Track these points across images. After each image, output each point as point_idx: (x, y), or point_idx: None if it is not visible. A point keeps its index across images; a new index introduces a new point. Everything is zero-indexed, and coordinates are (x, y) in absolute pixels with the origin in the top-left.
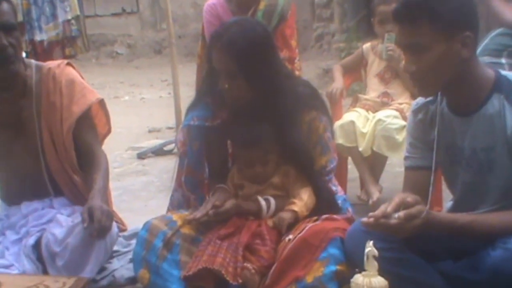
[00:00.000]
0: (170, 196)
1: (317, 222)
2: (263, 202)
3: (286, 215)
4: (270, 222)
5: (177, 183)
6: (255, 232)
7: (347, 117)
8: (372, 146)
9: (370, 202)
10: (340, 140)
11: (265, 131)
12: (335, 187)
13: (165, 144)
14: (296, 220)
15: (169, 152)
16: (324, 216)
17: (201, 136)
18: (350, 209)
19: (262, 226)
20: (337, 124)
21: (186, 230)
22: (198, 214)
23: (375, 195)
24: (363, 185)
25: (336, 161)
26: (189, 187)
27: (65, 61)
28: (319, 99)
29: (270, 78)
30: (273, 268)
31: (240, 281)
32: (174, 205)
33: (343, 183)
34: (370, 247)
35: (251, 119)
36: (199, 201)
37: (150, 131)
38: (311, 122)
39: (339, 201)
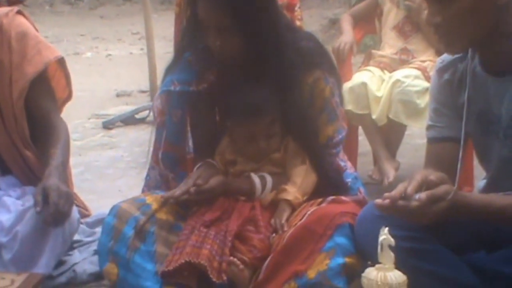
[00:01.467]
0: (145, 176)
1: (322, 206)
2: (257, 180)
3: (281, 213)
4: (264, 202)
5: (154, 160)
6: (247, 217)
7: (358, 77)
8: (388, 113)
9: (385, 181)
10: (349, 106)
11: (269, 96)
12: (344, 162)
13: (137, 111)
14: (293, 210)
15: (142, 121)
16: (330, 197)
17: (184, 103)
18: (361, 189)
19: (256, 209)
20: (346, 86)
21: (162, 216)
22: (177, 191)
23: (391, 173)
24: (376, 161)
25: (345, 132)
26: (168, 165)
27: (15, 9)
28: (325, 56)
29: (269, 31)
30: (268, 260)
31: (225, 278)
32: (150, 187)
33: (353, 158)
34: (385, 235)
35: (246, 82)
36: (180, 181)
37: (118, 95)
38: (315, 84)
39: (348, 180)
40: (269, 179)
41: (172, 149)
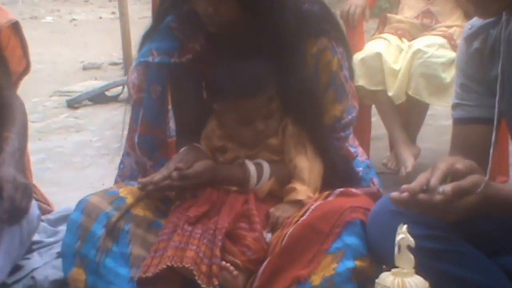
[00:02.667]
0: (118, 165)
1: (328, 199)
2: (252, 167)
3: (283, 208)
4: (260, 193)
5: (129, 144)
6: (239, 212)
7: (371, 47)
8: (407, 90)
9: (403, 171)
10: (361, 81)
11: (267, 70)
12: (354, 148)
13: (108, 88)
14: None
15: (114, 99)
16: (339, 190)
17: (164, 78)
18: (375, 180)
19: (250, 203)
20: (356, 57)
21: (139, 211)
22: (156, 176)
23: (410, 160)
24: (392, 147)
25: (356, 112)
26: (146, 150)
27: None
28: (332, 22)
29: None
30: (265, 264)
31: (216, 283)
32: (125, 177)
33: (364, 143)
34: (403, 234)
35: (239, 53)
36: (160, 169)
37: (85, 69)
38: (320, 55)
39: (360, 169)
40: (266, 166)
41: (151, 131)
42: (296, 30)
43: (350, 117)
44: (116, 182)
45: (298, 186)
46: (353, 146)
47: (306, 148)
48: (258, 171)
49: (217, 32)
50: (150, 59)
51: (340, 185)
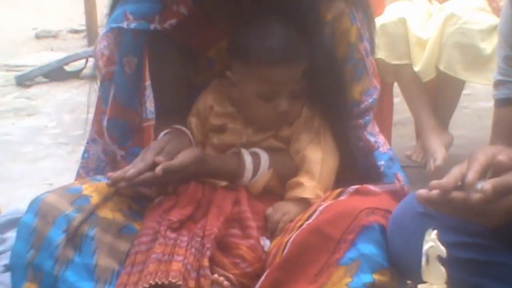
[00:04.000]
0: (82, 154)
1: (340, 199)
2: (248, 158)
3: (284, 207)
4: (255, 189)
5: (95, 129)
6: (231, 215)
7: (393, 11)
8: (437, 64)
9: (432, 164)
10: (380, 54)
11: (300, 37)
12: (374, 137)
13: (67, 61)
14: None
15: (75, 76)
16: (353, 187)
17: (142, 47)
18: (399, 175)
19: (242, 202)
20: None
21: (107, 213)
22: (130, 170)
23: (440, 152)
24: (419, 134)
25: (378, 93)
26: (117, 137)
27: None
28: None
29: None
30: (263, 278)
31: None
32: (90, 169)
33: (385, 129)
34: (432, 242)
35: (238, 18)
36: (132, 160)
37: (38, 37)
38: (336, 22)
39: (381, 163)
40: (264, 157)
41: (123, 114)
42: None
43: (370, 100)
44: (78, 175)
45: (305, 181)
46: (373, 134)
47: (321, 137)
48: (255, 164)
49: None
50: (124, 24)
51: (355, 181)
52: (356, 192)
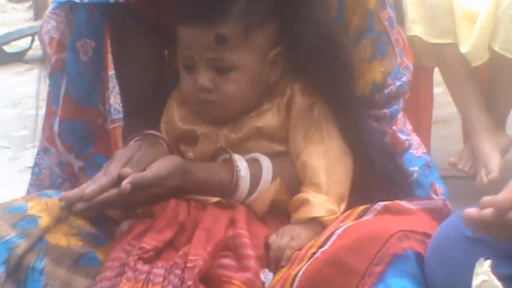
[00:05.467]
0: (32, 167)
1: (364, 219)
2: (242, 165)
3: (292, 231)
4: (258, 207)
5: (45, 135)
6: (223, 240)
7: None
8: (491, 43)
9: (484, 175)
10: (416, 30)
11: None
12: (405, 135)
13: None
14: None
15: (18, 58)
16: (381, 203)
17: (101, 27)
18: (439, 186)
19: (239, 224)
20: None
21: (60, 239)
22: (90, 186)
23: (495, 159)
24: (467, 135)
25: (410, 76)
26: (71, 143)
27: None
28: None
29: None
30: None
31: None
32: (42, 187)
33: (422, 128)
34: (485, 275)
35: None
36: (94, 172)
37: None
38: None
39: (414, 168)
40: (266, 164)
41: (79, 113)
42: None
43: (398, 83)
44: (28, 193)
45: (311, 196)
46: (404, 131)
47: (323, 133)
48: (254, 172)
49: None
50: None
51: (380, 194)
52: (385, 210)
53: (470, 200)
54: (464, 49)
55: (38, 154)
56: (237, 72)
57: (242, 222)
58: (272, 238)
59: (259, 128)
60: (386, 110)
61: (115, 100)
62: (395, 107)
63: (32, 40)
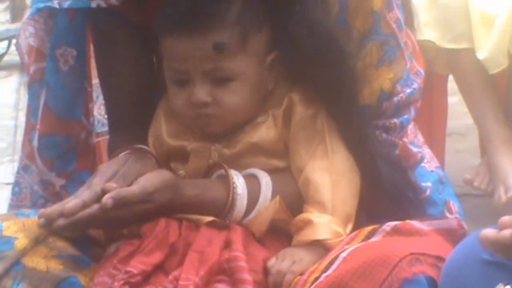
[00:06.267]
0: (12, 187)
1: (371, 240)
2: (239, 181)
3: (293, 262)
4: (256, 228)
5: (25, 151)
6: (217, 263)
7: None
8: (510, 49)
9: (502, 192)
10: (428, 34)
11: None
12: (417, 147)
13: None
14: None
15: None
16: (391, 224)
17: (82, 34)
18: (454, 204)
19: (234, 246)
20: None
21: (38, 262)
22: (73, 201)
23: None
24: (484, 149)
25: (421, 82)
26: (52, 159)
27: None
28: None
29: None
30: None
31: None
32: (21, 204)
33: (435, 141)
34: None
35: None
36: (77, 190)
37: None
38: None
39: (426, 184)
40: (265, 180)
41: (60, 127)
42: None
43: (408, 90)
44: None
45: (315, 216)
46: (415, 143)
47: (328, 147)
48: (251, 189)
49: None
50: (55, 3)
51: (390, 213)
52: (395, 231)
53: (488, 220)
54: (481, 55)
55: (18, 172)
56: (237, 82)
57: (239, 243)
58: (272, 262)
59: (255, 143)
60: (395, 120)
61: (99, 112)
62: (405, 116)
63: (9, 45)
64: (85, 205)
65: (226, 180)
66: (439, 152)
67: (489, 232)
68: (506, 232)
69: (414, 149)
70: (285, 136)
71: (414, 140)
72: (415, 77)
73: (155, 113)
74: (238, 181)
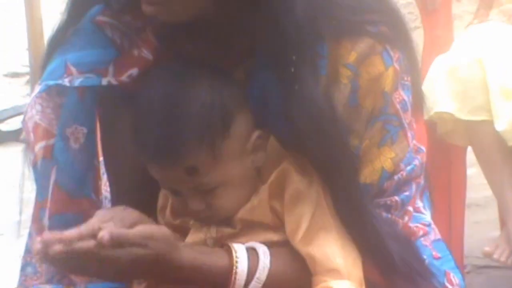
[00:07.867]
0: (21, 266)
1: None
2: (242, 254)
3: None
4: None
5: (35, 228)
6: None
7: (465, 45)
8: None
9: None
10: (448, 106)
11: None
12: (423, 214)
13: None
14: None
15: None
16: None
17: (92, 112)
18: (455, 277)
19: None
20: (441, 64)
21: None
22: (71, 230)
23: None
24: (504, 221)
25: (423, 157)
26: None
27: None
28: (385, 8)
29: None
30: None
31: None
32: (36, 281)
33: (455, 212)
34: None
35: (203, 64)
36: None
37: None
38: (361, 65)
39: (424, 257)
40: (263, 253)
41: (71, 206)
42: (308, 23)
43: (409, 168)
44: None
45: (334, 283)
46: (421, 214)
47: (329, 214)
48: (251, 263)
49: (173, 24)
50: (65, 81)
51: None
52: None
53: None
54: (500, 127)
55: (25, 253)
56: (223, 187)
57: None
58: None
59: (252, 221)
60: (396, 198)
61: (105, 188)
62: (406, 193)
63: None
64: (81, 237)
65: (229, 253)
66: (458, 224)
67: None
68: None
69: (413, 225)
70: (278, 209)
71: (420, 208)
72: (415, 155)
73: (161, 195)
74: (241, 255)
